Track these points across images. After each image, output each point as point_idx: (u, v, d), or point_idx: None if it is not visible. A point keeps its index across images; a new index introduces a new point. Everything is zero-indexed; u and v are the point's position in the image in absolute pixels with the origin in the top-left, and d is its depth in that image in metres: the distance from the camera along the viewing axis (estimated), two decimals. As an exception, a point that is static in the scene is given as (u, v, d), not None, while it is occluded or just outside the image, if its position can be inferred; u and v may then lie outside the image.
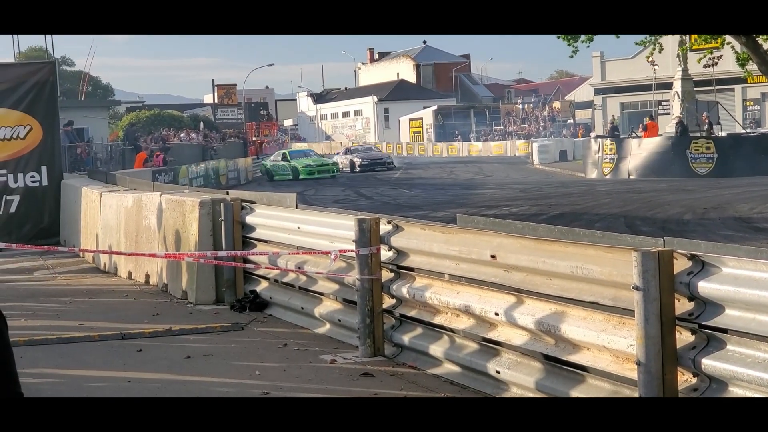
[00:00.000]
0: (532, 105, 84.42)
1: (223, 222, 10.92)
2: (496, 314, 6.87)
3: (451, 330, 7.46)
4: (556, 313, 6.38)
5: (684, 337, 5.48)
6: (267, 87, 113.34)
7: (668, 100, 51.18)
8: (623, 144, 35.64)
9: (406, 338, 7.99)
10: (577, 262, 6.16)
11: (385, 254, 8.24)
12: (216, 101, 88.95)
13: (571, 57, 45.21)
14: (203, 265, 10.95)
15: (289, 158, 49.32)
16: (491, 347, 7.07)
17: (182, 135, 54.77)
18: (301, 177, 46.33)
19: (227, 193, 11.81)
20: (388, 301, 8.27)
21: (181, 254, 10.97)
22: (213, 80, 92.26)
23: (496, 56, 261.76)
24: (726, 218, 18.11)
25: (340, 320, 9.04)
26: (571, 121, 77.63)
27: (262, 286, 10.74)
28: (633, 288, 5.44)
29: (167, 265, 12.06)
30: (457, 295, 7.35)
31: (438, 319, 7.60)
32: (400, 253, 8.14)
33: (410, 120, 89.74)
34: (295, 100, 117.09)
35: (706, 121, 37.87)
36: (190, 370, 7.90)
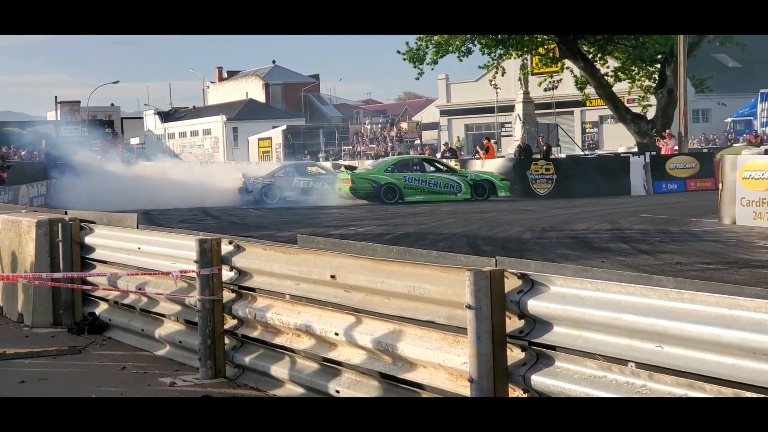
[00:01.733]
0: (380, 125, 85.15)
1: (60, 243, 10.68)
2: (336, 334, 6.93)
3: (292, 350, 7.48)
4: (394, 332, 6.48)
5: (515, 354, 5.63)
6: (113, 104, 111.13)
7: (511, 122, 52.48)
8: (467, 165, 36.33)
9: (247, 359, 7.97)
10: (414, 282, 6.27)
11: (227, 275, 8.21)
12: (59, 118, 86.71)
13: (417, 79, 46.23)
14: (39, 287, 10.68)
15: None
16: (332, 367, 7.12)
17: (23, 153, 53.24)
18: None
19: (65, 213, 11.56)
20: (229, 322, 8.24)
21: (15, 276, 10.68)
22: (56, 97, 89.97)
23: (344, 77, 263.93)
24: (563, 237, 18.65)
25: (181, 342, 8.95)
26: (418, 141, 78.60)
27: (101, 308, 10.54)
28: (466, 307, 5.57)
29: (2, 287, 11.72)
30: (298, 315, 7.38)
31: (279, 340, 7.61)
32: (242, 274, 8.12)
33: (259, 139, 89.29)
34: (142, 118, 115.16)
35: (544, 143, 38.95)
36: (23, 395, 7.69)
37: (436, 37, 39.92)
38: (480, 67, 44.46)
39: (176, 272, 8.40)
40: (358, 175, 33.60)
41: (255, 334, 7.95)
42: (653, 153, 35.44)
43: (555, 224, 21.45)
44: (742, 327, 4.61)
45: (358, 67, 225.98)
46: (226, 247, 8.21)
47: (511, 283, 5.62)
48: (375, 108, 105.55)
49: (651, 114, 40.88)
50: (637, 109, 41.89)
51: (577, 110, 63.84)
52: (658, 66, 40.39)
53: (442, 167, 34.16)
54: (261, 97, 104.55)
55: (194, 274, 8.18)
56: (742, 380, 4.60)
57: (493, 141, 46.58)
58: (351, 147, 79.82)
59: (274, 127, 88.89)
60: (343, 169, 36.12)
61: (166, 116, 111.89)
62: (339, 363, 7.01)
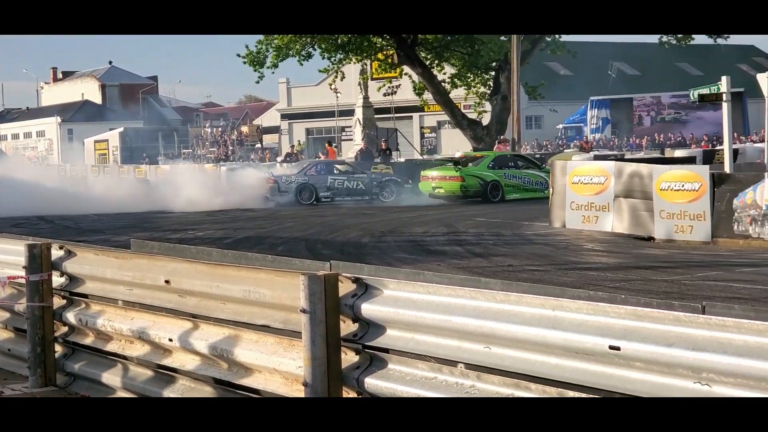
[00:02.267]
0: (220, 129, 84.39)
1: None
2: (170, 340, 6.87)
3: (126, 357, 7.37)
4: (230, 337, 6.46)
5: (349, 358, 5.71)
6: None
7: (351, 127, 52.80)
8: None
9: (78, 367, 7.82)
10: (250, 286, 6.28)
11: (58, 280, 8.03)
12: None
13: (258, 82, 46.06)
14: None
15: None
16: (166, 374, 7.05)
17: None
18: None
19: None
20: (60, 329, 8.06)
21: None
22: None
23: (184, 79, 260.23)
24: (401, 241, 18.90)
25: (10, 350, 8.71)
26: (259, 145, 78.26)
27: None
28: (301, 311, 5.61)
29: None
30: (131, 321, 7.28)
31: (112, 347, 7.49)
32: (74, 279, 7.96)
33: (95, 142, 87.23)
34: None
35: (384, 146, 39.38)
36: None
37: (276, 41, 39.87)
38: (320, 71, 44.66)
39: (3, 278, 8.17)
40: (468, 172, 29.90)
41: (87, 341, 7.80)
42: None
43: (393, 228, 21.71)
44: (565, 328, 4.80)
45: (198, 69, 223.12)
46: (56, 252, 8.02)
47: (345, 287, 5.69)
48: (215, 111, 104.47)
49: (486, 120, 41.80)
50: (473, 115, 42.78)
51: (415, 115, 64.70)
52: (493, 73, 41.34)
53: (533, 164, 31.50)
54: (97, 99, 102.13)
55: (23, 281, 7.97)
56: (566, 380, 4.79)
57: (334, 145, 46.82)
58: (191, 150, 78.86)
59: (111, 129, 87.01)
60: (449, 165, 31.24)
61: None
62: (173, 370, 6.94)
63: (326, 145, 41.61)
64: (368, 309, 5.57)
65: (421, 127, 68.23)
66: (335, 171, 32.55)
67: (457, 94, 43.26)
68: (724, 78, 19.65)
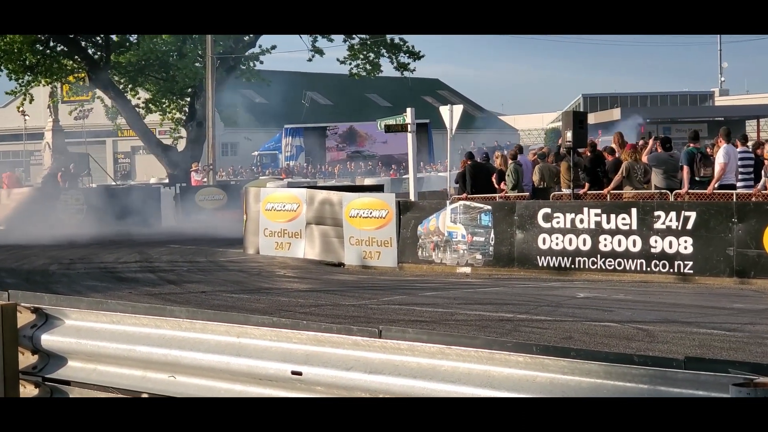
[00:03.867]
0: None
1: None
2: None
3: None
4: None
5: (28, 391, 5.52)
6: None
7: (40, 151, 50.83)
8: (-8, 194, 34.72)
9: None
10: None
11: None
12: None
13: (-63, 102, 43.42)
14: None
15: None
16: None
17: None
18: None
19: None
20: None
21: None
22: None
23: None
24: (92, 269, 18.41)
25: None
26: (-61, 168, 73.83)
27: None
28: (-24, 344, 5.37)
29: None
30: None
31: None
32: None
33: None
34: None
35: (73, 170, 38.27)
36: None
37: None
38: (7, 93, 42.74)
39: None
40: None
41: None
42: (183, 184, 35.94)
43: (83, 255, 21.10)
44: (249, 354, 4.88)
45: None
46: None
47: (24, 318, 5.51)
48: None
49: (182, 146, 41.46)
50: (168, 141, 42.30)
51: (109, 140, 63.25)
52: (188, 99, 41.11)
53: None
54: None
55: None
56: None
57: (21, 170, 44.85)
58: None
59: None
60: None
61: None
62: None
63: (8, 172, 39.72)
64: (48, 340, 5.43)
65: (115, 152, 66.75)
66: None
67: (151, 119, 42.64)
68: (409, 109, 20.51)
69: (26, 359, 5.50)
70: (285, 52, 71.64)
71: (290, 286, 16.07)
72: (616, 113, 54.20)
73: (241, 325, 5.05)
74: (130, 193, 36.35)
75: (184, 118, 41.53)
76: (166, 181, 40.00)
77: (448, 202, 18.23)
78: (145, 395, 5.10)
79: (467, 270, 17.12)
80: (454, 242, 17.36)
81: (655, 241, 15.47)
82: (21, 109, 43.51)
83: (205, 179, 37.48)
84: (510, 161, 19.37)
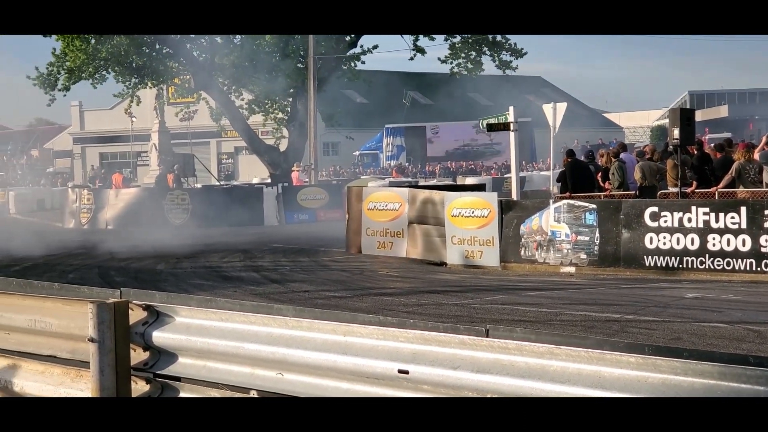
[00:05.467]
0: (8, 152, 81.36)
1: None
2: (-50, 372, 6.57)
3: None
4: (14, 368, 6.25)
5: (139, 387, 5.61)
6: None
7: (147, 152, 51.91)
8: (101, 194, 35.53)
9: None
10: (35, 315, 6.09)
11: None
12: None
13: (49, 105, 44.60)
14: None
15: None
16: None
17: None
18: None
19: None
20: None
21: None
22: None
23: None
24: (197, 267, 18.69)
25: None
26: (51, 169, 75.85)
27: None
28: (89, 340, 5.48)
29: None
30: None
31: None
32: None
33: None
34: None
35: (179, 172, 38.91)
36: None
37: (68, 63, 38.79)
38: (115, 96, 43.70)
39: None
40: None
41: None
42: (285, 184, 36.31)
43: (189, 254, 21.44)
44: (356, 353, 4.88)
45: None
46: None
47: (136, 315, 5.60)
48: (3, 134, 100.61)
49: (284, 146, 41.89)
50: (270, 141, 42.77)
51: (213, 141, 64.26)
52: (291, 99, 41.51)
53: None
54: None
55: None
56: (356, 403, 4.85)
57: (129, 171, 45.82)
58: (-25, 174, 75.69)
59: None
60: None
61: None
62: (-46, 403, 6.65)
63: (117, 172, 40.62)
64: (159, 337, 5.51)
65: (219, 153, 67.78)
66: None
67: (255, 120, 43.18)
68: (511, 108, 20.39)
69: (138, 356, 5.60)
70: (386, 52, 71.71)
71: (393, 285, 16.08)
72: (723, 110, 53.13)
73: (347, 323, 5.06)
74: (233, 193, 36.91)
75: (286, 118, 41.95)
76: (269, 180, 40.45)
77: (551, 200, 18.05)
78: (254, 392, 5.14)
79: (571, 270, 16.93)
80: (558, 241, 17.18)
81: (766, 241, 15.09)
82: (128, 111, 44.47)
83: (307, 179, 37.81)
84: (613, 159, 19.10)
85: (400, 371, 4.70)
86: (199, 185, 43.39)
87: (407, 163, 58.10)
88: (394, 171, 48.94)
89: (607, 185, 19.05)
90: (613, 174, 18.83)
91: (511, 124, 20.18)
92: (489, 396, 4.49)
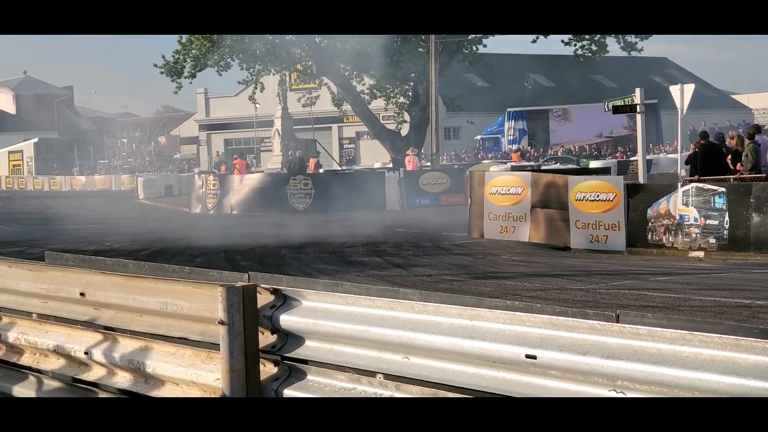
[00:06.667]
0: (137, 139, 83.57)
1: None
2: (86, 353, 6.76)
3: (40, 371, 7.24)
4: (147, 350, 6.39)
5: (268, 369, 5.68)
6: None
7: (270, 138, 52.60)
8: (226, 180, 36.19)
9: (-10, 381, 7.65)
10: (167, 298, 6.21)
11: (-31, 294, 7.86)
12: None
13: (176, 93, 45.61)
14: None
15: None
16: (82, 387, 6.94)
17: None
18: None
19: None
20: (-29, 343, 7.88)
21: None
22: None
23: (100, 89, 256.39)
24: (321, 252, 18.88)
25: None
26: (178, 155, 77.63)
27: None
28: (219, 323, 5.57)
29: None
30: (46, 335, 7.15)
31: (25, 360, 7.35)
32: (-15, 293, 7.79)
33: (9, 153, 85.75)
34: None
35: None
36: None
37: (194, 51, 39.59)
38: (239, 83, 44.42)
39: None
40: None
41: (-1, 355, 7.64)
42: (407, 169, 36.40)
43: (313, 239, 21.66)
44: (482, 337, 4.84)
45: (114, 79, 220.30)
46: (-33, 266, 7.85)
47: (264, 298, 5.67)
48: (132, 121, 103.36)
49: (405, 131, 41.97)
50: (391, 126, 42.91)
51: (335, 126, 64.79)
52: (412, 84, 41.54)
53: None
54: (11, 109, 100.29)
55: (-67, 294, 7.78)
56: (483, 388, 4.83)
57: (252, 156, 46.53)
58: (107, 161, 77.88)
59: (25, 140, 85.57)
60: None
61: None
62: (91, 383, 6.84)
63: (234, 157, 41.28)
64: (287, 320, 5.56)
65: (340, 138, 68.32)
66: None
67: (376, 104, 43.37)
68: (638, 90, 20.01)
69: (266, 338, 5.66)
70: (508, 35, 71.07)
71: (516, 269, 15.97)
72: None
73: (474, 307, 5.02)
74: (355, 177, 37.15)
75: (407, 102, 42.00)
76: (390, 165, 40.60)
77: (679, 184, 17.66)
78: (380, 376, 5.15)
79: (700, 254, 16.54)
80: (686, 225, 16.80)
81: None
82: (252, 97, 45.19)
83: (428, 164, 37.81)
84: (747, 141, 18.56)
85: (527, 356, 4.64)
86: (321, 170, 43.82)
87: (530, 147, 57.59)
88: (514, 154, 48.65)
89: (738, 167, 18.53)
90: (746, 156, 18.29)
91: (638, 106, 19.81)
92: (618, 382, 4.41)
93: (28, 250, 19.20)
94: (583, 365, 4.49)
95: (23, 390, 7.28)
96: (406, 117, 42.37)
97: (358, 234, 22.78)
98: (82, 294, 6.82)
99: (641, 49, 39.58)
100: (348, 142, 68.52)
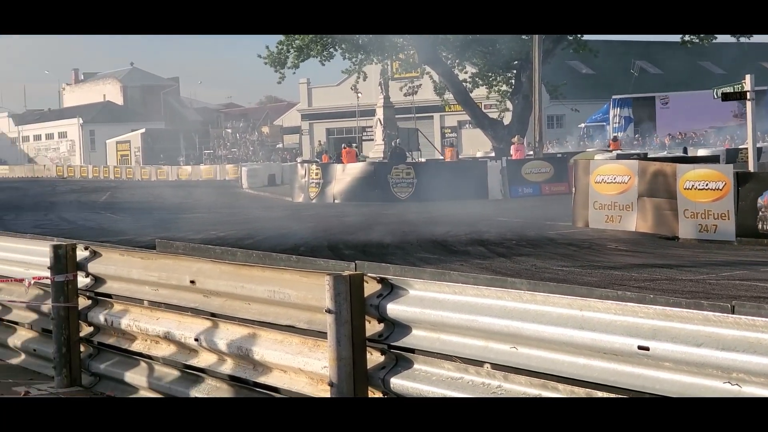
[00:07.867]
0: (241, 129, 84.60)
1: None
2: (197, 340, 6.87)
3: (151, 357, 7.38)
4: (255, 338, 6.46)
5: (374, 358, 5.69)
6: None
7: (372, 127, 52.76)
8: (328, 169, 36.40)
9: (103, 367, 7.83)
10: (275, 287, 6.27)
11: (83, 281, 8.05)
12: None
13: (279, 83, 46.09)
14: None
15: None
16: (192, 374, 7.05)
17: None
18: None
19: None
20: (85, 329, 8.08)
21: None
22: None
23: (205, 80, 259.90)
24: (423, 241, 18.84)
25: (35, 350, 8.74)
26: (280, 145, 78.38)
27: (-50, 317, 10.18)
28: (326, 311, 5.60)
29: None
30: (157, 322, 7.29)
31: (137, 347, 7.50)
32: (99, 280, 7.97)
33: (117, 143, 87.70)
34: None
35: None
36: None
37: (297, 41, 39.91)
38: (342, 72, 44.67)
39: (29, 279, 8.19)
40: None
41: (111, 341, 7.81)
42: (510, 158, 36.14)
43: (415, 228, 21.66)
44: (593, 328, 4.76)
45: (219, 70, 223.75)
46: (81, 253, 8.04)
47: (370, 287, 5.67)
48: (236, 112, 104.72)
49: (507, 119, 41.67)
50: (494, 115, 42.64)
51: (436, 115, 64.67)
52: (514, 72, 41.21)
53: None
54: (119, 100, 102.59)
55: (48, 281, 7.99)
56: (594, 380, 4.76)
57: (354, 145, 46.72)
58: (212, 151, 79.06)
59: (133, 131, 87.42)
60: None
61: (20, 119, 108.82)
62: (199, 369, 6.95)
63: (343, 146, 41.46)
64: (394, 309, 5.56)
65: (442, 127, 68.16)
66: None
67: (478, 93, 43.14)
68: (748, 76, 19.52)
69: (372, 327, 5.67)
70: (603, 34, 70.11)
71: (622, 259, 15.71)
72: None
73: (584, 298, 4.96)
74: (457, 167, 37.02)
75: (510, 91, 41.69)
76: (492, 154, 40.36)
77: (791, 172, 17.19)
78: (487, 365, 5.12)
79: (813, 244, 16.06)
80: (799, 215, 16.33)
81: None
82: (354, 87, 45.34)
83: (531, 152, 37.49)
84: None
85: (640, 347, 4.56)
86: (423, 159, 43.77)
87: (636, 134, 56.61)
88: (611, 142, 47.90)
89: None
90: None
91: (748, 93, 19.33)
92: (734, 374, 4.30)
93: (137, 239, 19.58)
94: (697, 357, 4.39)
95: (135, 377, 7.43)
96: (509, 105, 42.06)
97: (461, 223, 22.68)
98: (192, 282, 6.92)
99: (751, 35, 38.61)
100: (450, 131, 68.32)
